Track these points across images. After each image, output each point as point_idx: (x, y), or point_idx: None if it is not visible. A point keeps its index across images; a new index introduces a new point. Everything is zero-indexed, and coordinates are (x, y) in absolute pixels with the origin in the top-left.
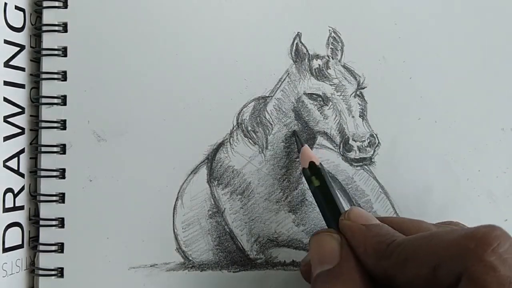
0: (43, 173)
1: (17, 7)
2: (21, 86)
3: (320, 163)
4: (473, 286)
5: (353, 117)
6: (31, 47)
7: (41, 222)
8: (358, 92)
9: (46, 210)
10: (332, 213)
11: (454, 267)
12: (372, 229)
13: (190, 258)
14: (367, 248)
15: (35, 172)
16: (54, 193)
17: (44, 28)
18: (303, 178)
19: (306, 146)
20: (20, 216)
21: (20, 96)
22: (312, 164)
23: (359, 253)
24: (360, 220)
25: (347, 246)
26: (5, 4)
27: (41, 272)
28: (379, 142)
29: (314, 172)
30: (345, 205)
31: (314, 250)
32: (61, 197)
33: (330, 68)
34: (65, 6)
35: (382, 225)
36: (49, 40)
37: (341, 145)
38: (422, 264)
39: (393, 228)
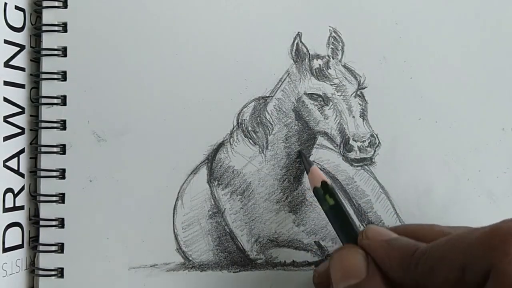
0: (43, 173)
1: (17, 7)
2: (21, 86)
3: (332, 183)
4: (502, 281)
5: (353, 117)
6: (31, 47)
7: (41, 222)
8: (358, 92)
9: (46, 210)
10: (349, 231)
11: (481, 265)
12: (393, 243)
13: (190, 258)
14: (391, 263)
15: (35, 172)
16: (54, 193)
17: (44, 28)
18: (303, 178)
19: (315, 166)
20: (20, 216)
21: (20, 96)
22: (324, 183)
23: (385, 268)
24: (378, 237)
25: (372, 261)
26: (5, 4)
27: (41, 272)
28: (379, 142)
29: (327, 191)
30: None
31: (337, 265)
32: (61, 197)
33: (330, 68)
34: (65, 6)
35: (401, 237)
36: (49, 40)
37: (342, 145)
38: (449, 268)
39: (408, 237)
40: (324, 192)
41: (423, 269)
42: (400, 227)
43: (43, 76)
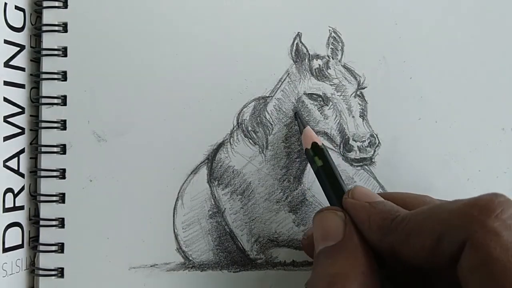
0: (43, 173)
1: (17, 7)
2: (21, 86)
3: (323, 144)
4: (477, 253)
5: (353, 117)
6: (31, 47)
7: (41, 222)
8: (358, 92)
9: (46, 210)
10: (336, 192)
11: (457, 235)
12: (376, 206)
13: (191, 258)
14: (371, 225)
15: (35, 172)
16: (54, 193)
17: (44, 28)
18: (303, 178)
19: (308, 127)
20: (20, 216)
21: (20, 96)
22: (315, 144)
23: (364, 230)
24: (363, 198)
25: (351, 223)
26: (5, 4)
27: (41, 272)
28: (379, 142)
29: (317, 152)
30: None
31: (317, 227)
32: (61, 197)
33: (330, 68)
34: (65, 6)
35: (386, 202)
36: (49, 40)
37: (342, 145)
38: (426, 236)
39: (397, 204)
40: (314, 153)
41: (400, 234)
42: (391, 193)
43: (43, 76)
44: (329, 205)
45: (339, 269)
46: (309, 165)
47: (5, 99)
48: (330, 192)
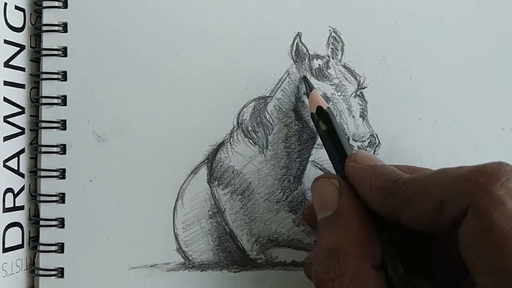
0: (43, 173)
1: (17, 7)
2: (21, 86)
3: (328, 107)
4: (480, 220)
5: (353, 117)
6: (31, 47)
7: (41, 222)
8: (358, 92)
9: (46, 210)
10: (339, 156)
11: (460, 201)
12: (377, 169)
13: (191, 258)
14: (372, 187)
15: (35, 172)
16: (54, 193)
17: (44, 28)
18: (303, 177)
19: (315, 90)
20: (20, 216)
21: (20, 96)
22: (319, 108)
23: (365, 193)
24: (365, 161)
25: (347, 191)
26: (5, 4)
27: (41, 272)
28: (379, 142)
29: (322, 116)
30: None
31: (315, 195)
32: (61, 197)
33: (330, 68)
34: (65, 6)
35: (387, 165)
36: (49, 40)
37: None
38: (429, 199)
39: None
40: (319, 118)
41: (402, 197)
42: (397, 165)
43: (43, 76)
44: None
45: (335, 242)
46: (309, 164)
47: (5, 99)
48: (335, 156)
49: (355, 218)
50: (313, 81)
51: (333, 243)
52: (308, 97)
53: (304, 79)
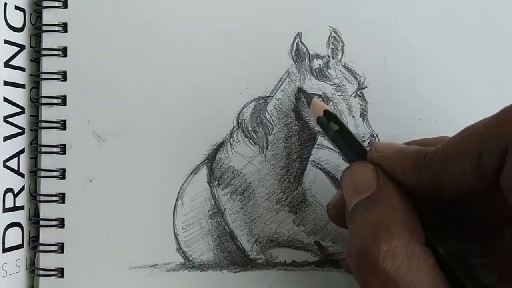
0: (43, 173)
1: (17, 7)
2: (21, 86)
3: (333, 110)
4: None
5: (353, 117)
6: (31, 47)
7: (41, 222)
8: (358, 92)
9: (46, 210)
10: (358, 153)
11: (497, 146)
12: (403, 149)
13: (191, 259)
14: (405, 167)
15: (35, 172)
16: (54, 193)
17: (44, 28)
18: (303, 177)
19: (316, 97)
20: (20, 216)
21: (20, 96)
22: (326, 111)
23: (399, 175)
24: (388, 148)
25: (382, 173)
26: (5, 4)
27: (41, 272)
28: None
29: (331, 118)
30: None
31: (348, 182)
32: (61, 197)
33: (330, 68)
34: (65, 6)
35: (410, 146)
36: (49, 40)
37: None
38: (465, 157)
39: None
40: (328, 120)
41: (437, 165)
42: (411, 142)
43: (43, 76)
44: None
45: (380, 217)
46: (309, 164)
47: (5, 99)
48: (352, 154)
49: (397, 196)
50: (313, 81)
51: (378, 219)
52: (309, 106)
53: (301, 90)
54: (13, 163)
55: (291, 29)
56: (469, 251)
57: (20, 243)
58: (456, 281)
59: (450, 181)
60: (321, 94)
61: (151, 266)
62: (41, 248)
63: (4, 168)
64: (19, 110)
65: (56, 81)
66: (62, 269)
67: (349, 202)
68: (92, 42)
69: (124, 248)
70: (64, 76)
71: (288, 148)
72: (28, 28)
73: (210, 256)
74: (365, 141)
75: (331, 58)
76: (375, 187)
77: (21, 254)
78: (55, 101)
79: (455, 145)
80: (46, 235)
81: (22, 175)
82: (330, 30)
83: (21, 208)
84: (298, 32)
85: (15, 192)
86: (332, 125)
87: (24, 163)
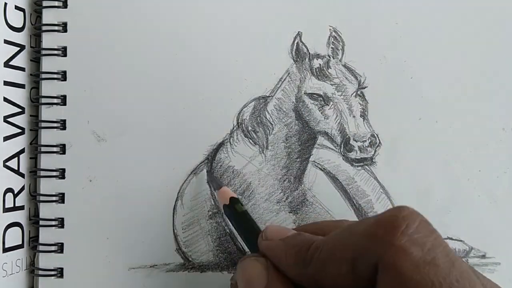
0: (43, 173)
1: (17, 7)
2: (21, 86)
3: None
4: (390, 273)
5: (354, 117)
6: (31, 47)
7: (41, 222)
8: (359, 92)
9: (46, 210)
10: (256, 236)
11: (369, 259)
12: (289, 241)
13: (190, 259)
14: (288, 261)
15: (35, 172)
16: (54, 193)
17: (44, 28)
18: (304, 178)
19: (224, 187)
20: (20, 216)
21: (20, 96)
22: (232, 198)
23: (284, 268)
24: (276, 235)
25: (273, 267)
26: (5, 4)
27: (41, 272)
28: (380, 142)
29: (236, 202)
30: (346, 204)
31: (241, 276)
32: (61, 197)
33: (330, 68)
34: (65, 6)
35: (298, 234)
36: (49, 40)
37: (342, 145)
38: (340, 262)
39: (317, 233)
40: (235, 203)
41: (316, 264)
42: (311, 224)
43: (43, 76)
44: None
45: None
46: (309, 165)
47: (5, 99)
48: (252, 237)
49: None
50: (313, 80)
51: None
52: (215, 190)
53: (210, 176)
54: (13, 163)
55: (291, 28)
56: None
57: (20, 243)
58: None
59: (330, 282)
60: (322, 93)
61: (150, 266)
62: (41, 248)
63: (4, 168)
64: (19, 110)
65: (56, 81)
66: (62, 269)
67: None
68: (92, 42)
69: (123, 248)
70: (64, 76)
71: (288, 148)
72: (28, 28)
73: (210, 256)
74: (365, 141)
75: (332, 58)
76: (265, 282)
77: (21, 254)
78: (55, 101)
79: (332, 248)
80: (46, 235)
81: (22, 175)
82: (330, 29)
83: (21, 208)
84: (298, 32)
85: (15, 192)
86: (239, 207)
87: (24, 163)
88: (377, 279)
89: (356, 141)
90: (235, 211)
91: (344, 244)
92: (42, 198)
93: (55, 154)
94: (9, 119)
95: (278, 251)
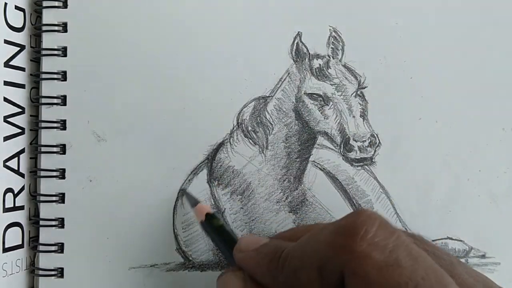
0: (43, 173)
1: (17, 7)
2: (21, 86)
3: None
4: (355, 279)
5: (353, 117)
6: (31, 47)
7: (41, 222)
8: (358, 92)
9: (46, 210)
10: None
11: (334, 266)
12: (261, 250)
13: (190, 258)
14: (262, 270)
15: (35, 172)
16: (54, 193)
17: (44, 28)
18: (303, 178)
19: (200, 203)
20: (20, 216)
21: (20, 96)
22: (208, 214)
23: (259, 279)
24: (250, 246)
25: (250, 279)
26: (5, 4)
27: (41, 272)
28: (379, 142)
29: (214, 217)
30: (345, 204)
31: None
32: (61, 197)
33: (330, 68)
34: (65, 6)
35: (270, 242)
36: (49, 40)
37: (342, 145)
38: (309, 269)
39: (292, 240)
40: (212, 217)
41: (287, 272)
42: (288, 230)
43: (43, 76)
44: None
45: None
46: (309, 164)
47: (5, 99)
48: (230, 249)
49: None
50: (313, 80)
51: None
52: (192, 207)
53: (186, 194)
54: (13, 163)
55: (291, 28)
56: None
57: (20, 243)
58: None
59: (301, 287)
60: (322, 93)
61: (151, 266)
62: (41, 248)
63: (4, 168)
64: (19, 110)
65: (56, 81)
66: (62, 269)
67: None
68: (92, 42)
69: (123, 248)
70: (64, 76)
71: (288, 148)
72: (28, 28)
73: (210, 256)
74: (365, 141)
75: (331, 58)
76: None
77: (21, 254)
78: (55, 101)
79: (300, 255)
80: (46, 235)
81: (22, 175)
82: (330, 30)
83: (21, 208)
84: (298, 32)
85: (15, 192)
86: (216, 222)
87: (24, 163)
88: (345, 285)
89: (356, 141)
90: (212, 226)
91: (310, 252)
92: (42, 198)
93: (55, 154)
94: (9, 119)
95: (251, 262)
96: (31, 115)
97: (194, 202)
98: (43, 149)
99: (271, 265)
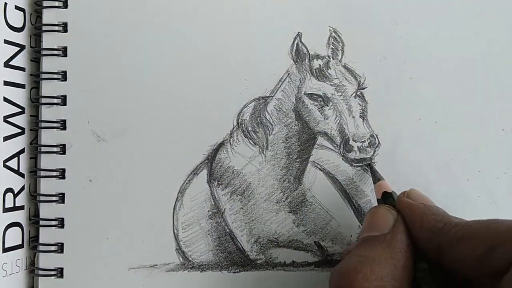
0: (43, 173)
1: (17, 7)
2: (21, 86)
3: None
4: None
5: (353, 117)
6: (31, 47)
7: (41, 222)
8: (358, 93)
9: (46, 210)
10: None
11: (509, 251)
12: (431, 208)
13: (190, 259)
14: (423, 223)
15: (35, 172)
16: (54, 193)
17: (44, 28)
18: (303, 178)
19: (383, 180)
20: (20, 216)
21: (20, 96)
22: (386, 193)
23: (415, 228)
24: (419, 199)
25: (401, 222)
26: (5, 4)
27: (41, 272)
28: (379, 143)
29: (390, 196)
30: (345, 204)
31: (368, 219)
32: (61, 197)
33: (330, 68)
34: (65, 6)
35: (439, 208)
36: (49, 40)
37: (342, 145)
38: (479, 243)
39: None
40: (387, 197)
41: (451, 238)
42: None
43: (43, 76)
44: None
45: (374, 254)
46: (309, 165)
47: (5, 99)
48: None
49: (401, 246)
50: (313, 81)
51: (371, 254)
52: (375, 186)
53: (371, 169)
54: (13, 163)
55: (291, 29)
56: None
57: (20, 243)
58: None
59: (456, 256)
60: (321, 94)
61: (150, 266)
62: (41, 248)
63: (4, 168)
64: (19, 110)
65: (56, 81)
66: (62, 269)
67: (361, 234)
68: (92, 42)
69: (123, 248)
70: (64, 76)
71: (288, 148)
72: (28, 28)
73: (210, 256)
74: (365, 141)
75: (331, 58)
76: (387, 230)
77: (21, 254)
78: (55, 101)
79: (477, 228)
80: (46, 235)
81: (22, 175)
82: (330, 30)
83: (21, 208)
84: (298, 32)
85: (15, 192)
86: (391, 202)
87: (24, 163)
88: (510, 271)
89: (356, 142)
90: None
91: (491, 229)
92: (42, 198)
93: (55, 154)
94: (9, 119)
95: (416, 211)
96: (31, 115)
97: (376, 179)
98: (43, 149)
99: (436, 224)
